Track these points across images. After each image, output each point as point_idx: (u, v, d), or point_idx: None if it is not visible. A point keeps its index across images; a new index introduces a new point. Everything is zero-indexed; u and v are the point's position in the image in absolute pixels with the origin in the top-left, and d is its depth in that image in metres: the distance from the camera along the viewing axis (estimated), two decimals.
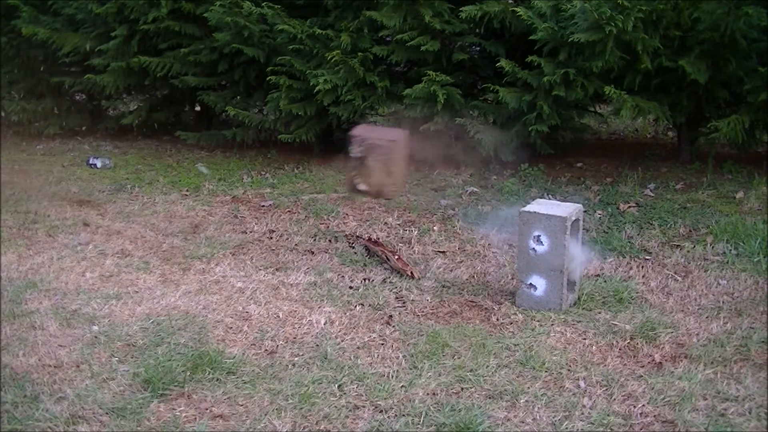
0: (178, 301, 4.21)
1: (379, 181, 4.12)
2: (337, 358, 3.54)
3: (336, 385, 3.31)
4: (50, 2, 8.03)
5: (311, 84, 6.62)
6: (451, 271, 4.61)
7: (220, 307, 4.13)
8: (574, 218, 3.99)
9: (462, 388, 3.28)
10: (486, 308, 4.08)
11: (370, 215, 5.66)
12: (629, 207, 5.61)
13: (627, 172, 6.43)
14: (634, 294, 4.18)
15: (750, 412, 3.07)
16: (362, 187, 4.18)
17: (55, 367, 3.49)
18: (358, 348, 3.66)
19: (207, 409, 3.16)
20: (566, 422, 3.02)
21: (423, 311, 4.06)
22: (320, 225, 5.47)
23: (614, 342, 3.66)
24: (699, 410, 3.08)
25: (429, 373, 3.39)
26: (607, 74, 6.03)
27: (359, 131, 4.22)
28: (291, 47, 6.78)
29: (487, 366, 3.45)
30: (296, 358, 3.56)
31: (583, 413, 3.08)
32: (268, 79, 6.89)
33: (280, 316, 4.00)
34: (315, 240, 5.19)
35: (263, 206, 5.96)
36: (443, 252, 4.92)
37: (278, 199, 6.09)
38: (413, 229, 5.32)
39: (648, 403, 3.14)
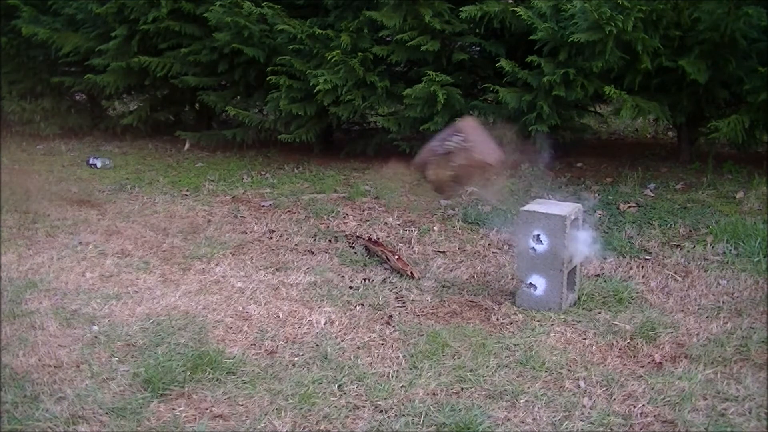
0: (178, 301, 4.21)
1: (446, 179, 4.04)
2: (337, 358, 3.54)
3: (336, 385, 3.31)
4: (50, 2, 8.03)
5: (311, 84, 6.62)
6: (451, 271, 4.61)
7: (220, 307, 4.13)
8: (573, 217, 3.99)
9: (462, 388, 3.28)
10: (486, 308, 4.08)
11: (370, 215, 5.66)
12: (629, 207, 5.61)
13: (627, 172, 6.43)
14: (634, 294, 4.17)
15: (750, 412, 3.07)
16: (431, 175, 4.04)
17: (55, 367, 3.49)
18: (358, 348, 3.66)
19: (207, 409, 3.16)
20: (566, 422, 3.02)
21: (423, 311, 4.06)
22: (320, 225, 5.47)
23: (614, 342, 3.66)
24: (699, 410, 3.08)
25: (429, 373, 3.39)
26: (607, 74, 6.03)
27: (466, 129, 4.00)
28: (291, 47, 6.78)
29: (487, 366, 3.45)
30: (296, 358, 3.56)
31: (583, 413, 3.08)
32: (268, 79, 6.89)
33: (280, 316, 4.00)
34: (315, 240, 5.19)
35: (263, 206, 5.96)
36: (443, 252, 4.92)
37: (278, 199, 6.09)
38: (413, 229, 5.32)
39: (648, 403, 3.14)
